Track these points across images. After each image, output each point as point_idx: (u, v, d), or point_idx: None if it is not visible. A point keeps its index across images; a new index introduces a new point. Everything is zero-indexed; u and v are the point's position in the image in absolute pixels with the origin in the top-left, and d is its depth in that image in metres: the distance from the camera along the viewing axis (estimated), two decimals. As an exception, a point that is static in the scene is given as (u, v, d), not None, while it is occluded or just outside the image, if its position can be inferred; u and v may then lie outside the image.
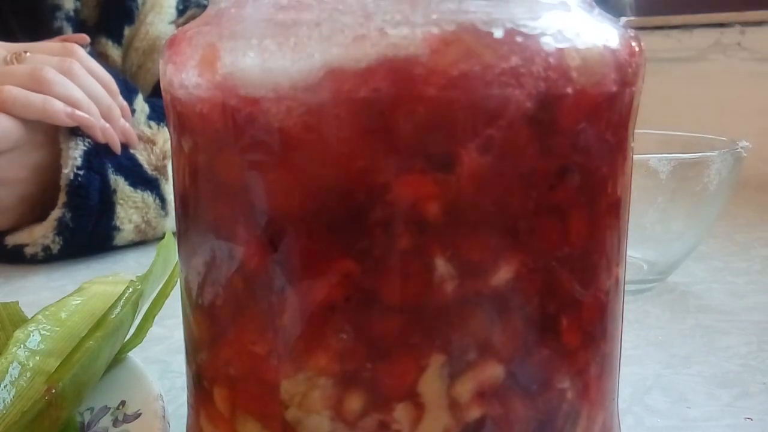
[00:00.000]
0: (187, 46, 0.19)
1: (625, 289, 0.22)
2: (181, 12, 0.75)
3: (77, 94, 0.54)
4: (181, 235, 0.21)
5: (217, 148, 0.19)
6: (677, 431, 0.30)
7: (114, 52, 0.72)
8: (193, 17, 0.73)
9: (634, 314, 0.43)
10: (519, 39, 0.17)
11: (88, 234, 0.56)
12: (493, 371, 0.18)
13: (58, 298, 0.31)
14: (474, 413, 0.18)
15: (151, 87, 0.72)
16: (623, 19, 1.03)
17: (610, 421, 0.22)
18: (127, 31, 0.72)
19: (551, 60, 0.17)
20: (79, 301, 0.31)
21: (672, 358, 0.37)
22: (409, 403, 0.18)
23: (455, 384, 0.18)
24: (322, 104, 0.16)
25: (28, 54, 0.55)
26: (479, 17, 0.16)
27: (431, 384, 0.18)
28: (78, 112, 0.54)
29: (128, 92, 0.61)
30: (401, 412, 0.18)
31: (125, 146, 0.59)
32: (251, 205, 0.18)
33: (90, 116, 0.54)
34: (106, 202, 0.56)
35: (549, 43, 0.17)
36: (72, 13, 0.70)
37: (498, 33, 0.16)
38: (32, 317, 0.29)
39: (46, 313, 0.29)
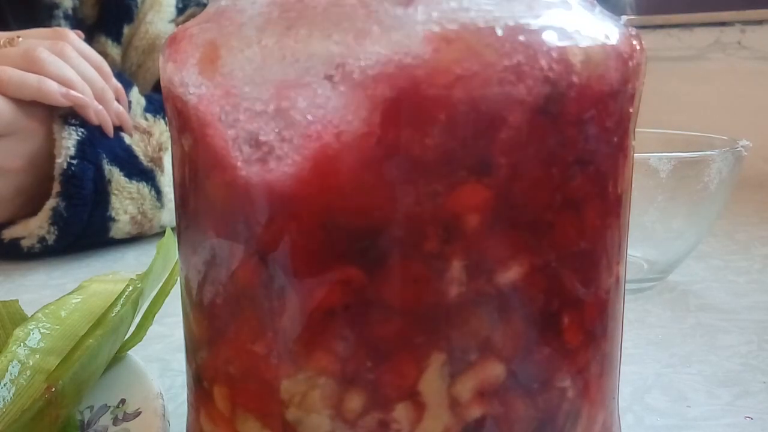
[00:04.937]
0: (188, 44, 0.19)
1: (626, 288, 0.22)
2: (180, 10, 0.75)
3: (71, 74, 0.54)
4: (181, 233, 0.21)
5: (217, 146, 0.18)
6: (677, 430, 0.30)
7: (113, 50, 0.72)
8: (193, 15, 0.73)
9: (634, 313, 0.43)
10: (521, 37, 0.16)
11: (84, 224, 0.56)
12: (494, 370, 0.18)
13: (57, 297, 0.31)
14: (474, 412, 0.18)
15: (151, 86, 0.72)
16: (624, 18, 1.03)
17: (611, 420, 0.22)
18: (126, 29, 0.72)
19: (554, 58, 0.17)
20: (78, 300, 0.31)
21: (672, 357, 0.37)
22: (410, 402, 0.18)
23: (456, 383, 0.18)
24: (323, 103, 0.16)
25: (20, 39, 0.55)
26: (480, 15, 0.16)
27: (432, 383, 0.18)
28: (72, 92, 0.54)
29: (123, 85, 0.61)
30: (401, 412, 0.18)
31: (121, 138, 0.59)
32: (251, 204, 0.18)
33: (84, 96, 0.55)
34: (101, 191, 0.56)
35: (551, 40, 0.17)
36: (70, 12, 0.70)
37: (499, 31, 0.16)
38: (32, 315, 0.29)
39: (46, 311, 0.29)
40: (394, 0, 0.17)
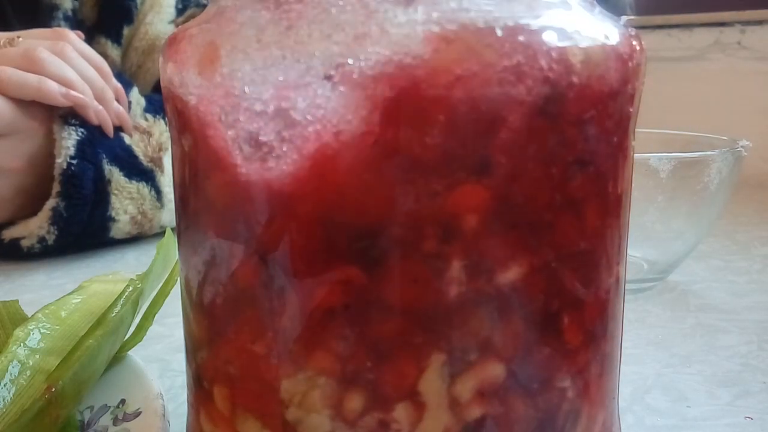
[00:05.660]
0: (188, 45, 0.19)
1: (626, 288, 0.22)
2: (180, 11, 0.75)
3: (71, 74, 0.55)
4: (181, 233, 0.21)
5: (217, 147, 0.18)
6: (677, 430, 0.30)
7: (113, 51, 0.72)
8: (192, 16, 0.73)
9: (634, 313, 0.43)
10: (521, 37, 0.16)
11: (84, 224, 0.56)
12: (494, 370, 0.18)
13: (58, 297, 0.31)
14: (474, 412, 0.18)
15: (151, 87, 0.72)
16: (624, 18, 1.03)
17: (611, 420, 0.22)
18: (126, 30, 0.72)
19: (553, 58, 0.17)
20: (79, 300, 0.31)
21: (672, 357, 0.37)
22: (410, 402, 0.18)
23: (456, 383, 0.18)
24: (323, 102, 0.16)
25: (20, 39, 0.55)
26: (480, 16, 0.16)
27: (432, 383, 0.18)
28: (72, 92, 0.54)
29: (123, 85, 0.61)
30: (401, 412, 0.18)
31: (121, 138, 0.59)
32: (251, 204, 0.18)
33: (84, 96, 0.55)
34: (101, 191, 0.56)
35: (551, 41, 0.17)
36: (70, 13, 0.70)
37: (499, 31, 0.16)
38: (32, 316, 0.29)
39: (46, 311, 0.29)
40: (394, 0, 0.17)
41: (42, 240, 0.55)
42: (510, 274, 0.18)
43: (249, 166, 0.18)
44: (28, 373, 0.25)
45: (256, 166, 0.18)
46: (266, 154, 0.17)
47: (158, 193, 0.60)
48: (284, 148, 0.17)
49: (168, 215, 0.62)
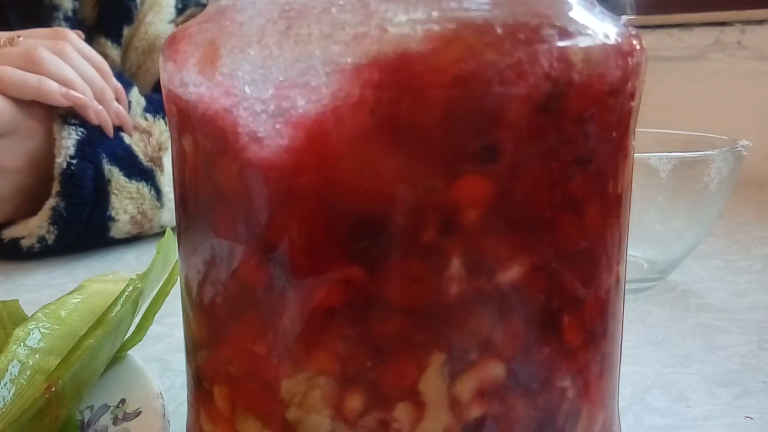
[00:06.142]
0: (188, 44, 0.19)
1: (626, 288, 0.22)
2: (180, 11, 0.75)
3: (71, 74, 0.55)
4: (181, 233, 0.21)
5: (217, 146, 0.18)
6: (677, 430, 0.30)
7: (113, 52, 0.72)
8: (192, 16, 0.73)
9: (634, 313, 0.43)
10: (521, 36, 0.16)
11: (83, 224, 0.56)
12: (494, 370, 0.18)
13: (57, 296, 0.31)
14: (474, 412, 0.18)
15: (151, 87, 0.72)
16: (624, 18, 1.03)
17: (611, 419, 0.22)
18: (126, 30, 0.72)
19: (553, 57, 0.17)
20: (78, 300, 0.31)
21: (672, 357, 0.37)
22: (410, 402, 0.18)
23: (456, 383, 0.18)
24: (323, 103, 0.16)
25: (21, 38, 0.55)
26: (480, 14, 0.16)
27: (432, 383, 0.18)
28: (72, 92, 0.54)
29: (123, 85, 0.61)
30: (402, 411, 0.18)
31: (121, 137, 0.59)
32: (251, 204, 0.18)
33: (84, 96, 0.55)
34: (101, 191, 0.56)
35: (551, 40, 0.17)
36: (70, 13, 0.70)
37: (499, 30, 0.16)
38: (32, 315, 0.29)
39: (46, 311, 0.29)
40: (394, -1, 0.17)
41: (42, 239, 0.55)
42: (510, 273, 0.18)
43: (249, 165, 0.18)
44: (28, 372, 0.25)
45: (256, 165, 0.18)
46: (267, 153, 0.17)
47: (158, 192, 0.60)
48: (284, 147, 0.17)
49: (168, 215, 0.62)
